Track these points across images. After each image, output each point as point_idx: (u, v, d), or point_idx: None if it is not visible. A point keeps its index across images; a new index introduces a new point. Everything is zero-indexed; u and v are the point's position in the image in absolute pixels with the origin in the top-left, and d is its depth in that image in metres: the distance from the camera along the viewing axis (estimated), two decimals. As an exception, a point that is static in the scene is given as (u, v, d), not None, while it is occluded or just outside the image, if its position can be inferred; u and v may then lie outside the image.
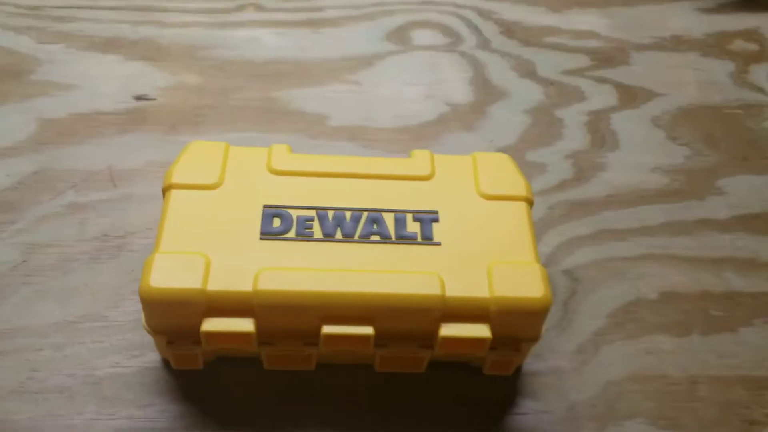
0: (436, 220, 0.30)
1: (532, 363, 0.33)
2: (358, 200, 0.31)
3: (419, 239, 0.30)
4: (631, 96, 0.46)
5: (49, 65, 0.44)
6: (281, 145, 0.32)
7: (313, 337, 0.28)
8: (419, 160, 0.33)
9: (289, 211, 0.30)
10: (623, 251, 0.38)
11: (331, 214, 0.30)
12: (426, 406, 0.31)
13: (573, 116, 0.44)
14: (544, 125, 0.44)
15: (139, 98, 0.42)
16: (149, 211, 0.36)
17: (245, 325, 0.27)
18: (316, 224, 0.30)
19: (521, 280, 0.28)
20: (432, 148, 0.41)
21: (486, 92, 0.45)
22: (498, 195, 0.31)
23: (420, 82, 0.46)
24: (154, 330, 0.28)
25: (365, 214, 0.30)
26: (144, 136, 0.40)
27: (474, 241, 0.30)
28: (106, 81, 0.43)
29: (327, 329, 0.28)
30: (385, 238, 0.30)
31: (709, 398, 0.32)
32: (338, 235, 0.30)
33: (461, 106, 0.44)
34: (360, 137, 0.42)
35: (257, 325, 0.28)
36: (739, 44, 0.50)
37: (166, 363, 0.31)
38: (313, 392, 0.31)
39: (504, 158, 0.33)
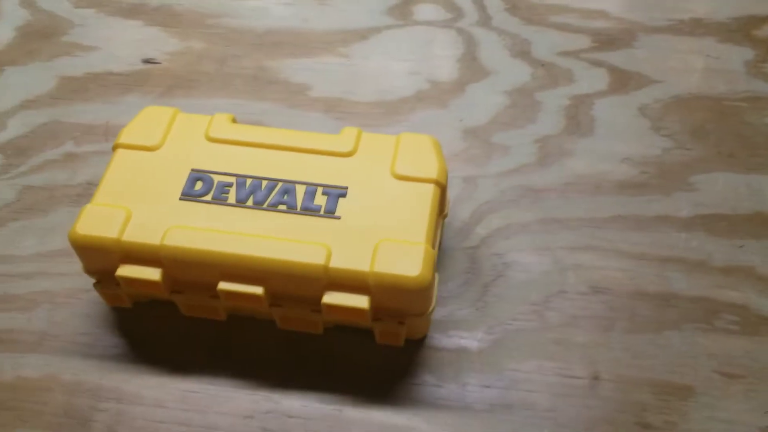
0: (344, 196, 0.32)
1: (438, 338, 0.34)
2: (277, 171, 0.33)
3: (322, 212, 0.32)
4: (623, 81, 0.44)
5: (79, 28, 0.49)
6: (223, 115, 0.35)
7: (213, 290, 0.31)
8: (346, 137, 0.34)
9: (212, 176, 0.33)
10: (565, 241, 0.37)
11: (249, 182, 0.33)
12: (325, 366, 0.34)
13: (554, 100, 0.43)
14: (520, 107, 0.43)
15: (146, 61, 0.47)
16: (129, 165, 0.41)
17: (153, 273, 0.31)
18: (233, 190, 0.33)
19: (402, 258, 0.30)
20: (402, 125, 0.43)
21: (471, 71, 0.45)
22: (409, 176, 0.33)
23: (409, 58, 0.46)
24: (86, 271, 0.33)
25: (280, 184, 0.33)
26: (142, 96, 0.45)
27: (372, 218, 0.31)
28: (123, 44, 0.48)
29: (222, 285, 0.31)
30: (291, 209, 0.32)
31: (608, 397, 0.32)
32: (249, 202, 0.32)
33: (442, 83, 0.45)
34: (335, 109, 0.44)
35: (164, 275, 0.31)
36: (767, 30, 0.46)
37: (110, 299, 0.36)
38: (228, 340, 0.34)
39: (427, 140, 0.34)
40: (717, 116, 0.42)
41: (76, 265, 0.37)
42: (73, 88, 0.46)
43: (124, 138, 0.34)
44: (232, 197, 0.32)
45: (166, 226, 0.31)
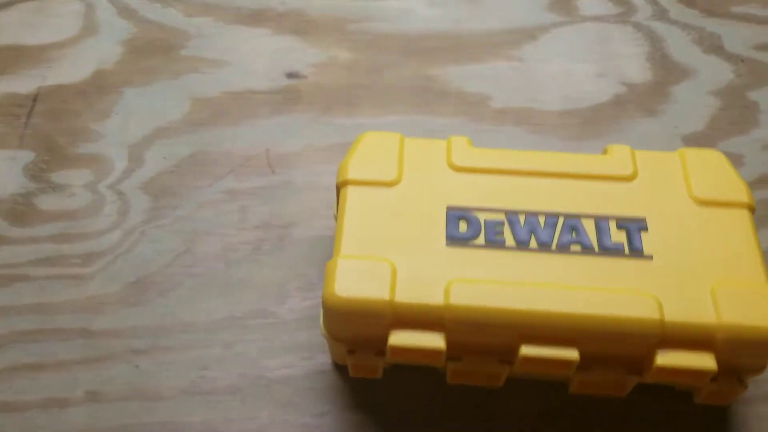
0: (645, 229, 0.27)
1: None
2: (551, 203, 0.27)
3: (626, 252, 0.26)
4: (840, 75, 0.40)
5: (198, 39, 0.42)
6: (460, 138, 0.29)
7: (507, 354, 0.25)
8: (618, 156, 0.29)
9: (476, 213, 0.27)
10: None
11: (522, 218, 0.27)
12: (620, 434, 0.28)
13: (771, 99, 0.39)
14: (736, 109, 0.38)
15: (290, 75, 0.40)
16: (309, 199, 0.35)
17: (435, 340, 0.25)
18: (506, 230, 0.27)
19: (752, 306, 0.24)
20: (610, 136, 0.38)
21: (666, 70, 0.40)
22: (714, 200, 0.27)
23: (590, 58, 0.41)
24: (334, 337, 0.27)
25: (561, 219, 0.27)
26: (298, 117, 0.38)
27: (692, 256, 0.26)
28: (256, 57, 0.41)
29: (526, 350, 0.25)
30: (587, 249, 0.26)
31: None
32: (533, 244, 0.26)
33: (639, 86, 0.40)
34: (527, 121, 0.38)
35: (447, 341, 0.25)
36: None
37: (336, 366, 0.29)
38: (499, 410, 0.28)
39: (717, 156, 0.28)
40: None
41: (279, 327, 0.31)
42: (212, 111, 0.39)
43: (353, 173, 0.28)
44: (509, 239, 0.27)
45: (444, 281, 0.25)
